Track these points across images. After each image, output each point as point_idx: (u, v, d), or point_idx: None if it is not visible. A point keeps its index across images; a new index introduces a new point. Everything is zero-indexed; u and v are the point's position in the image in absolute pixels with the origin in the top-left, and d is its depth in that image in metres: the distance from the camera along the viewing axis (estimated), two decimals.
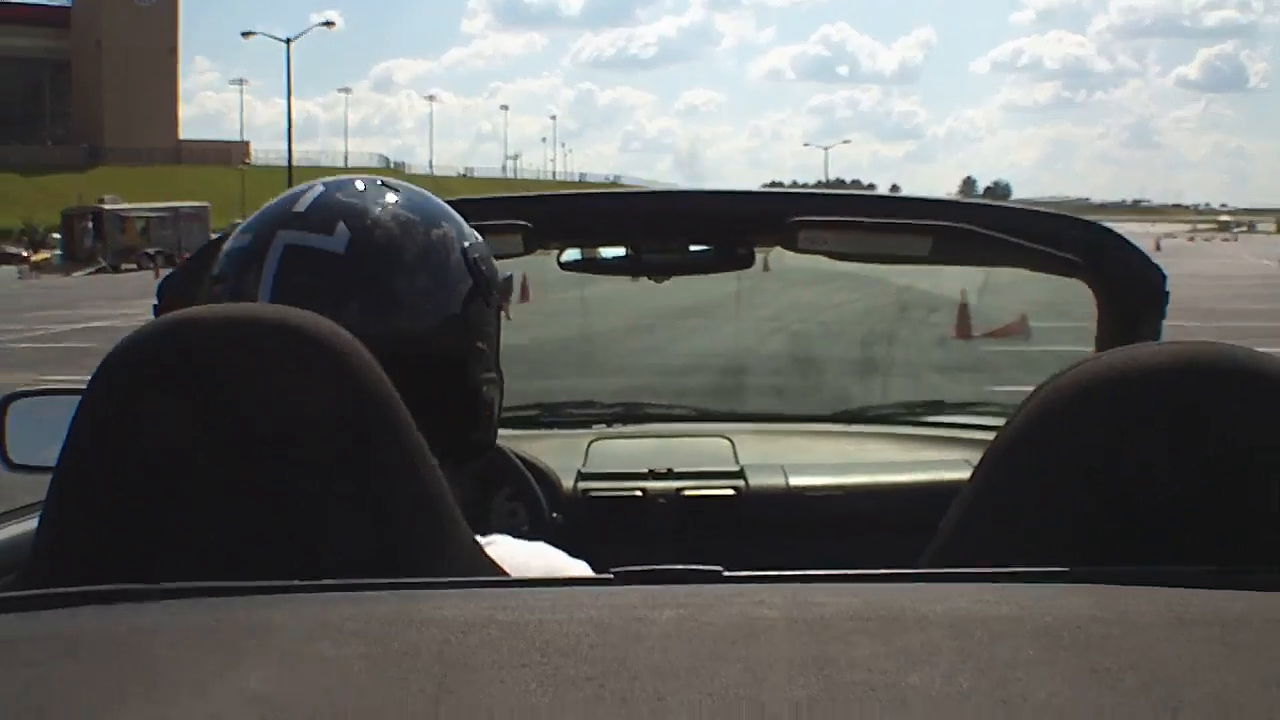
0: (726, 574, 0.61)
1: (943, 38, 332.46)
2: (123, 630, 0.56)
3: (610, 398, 2.50)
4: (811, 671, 0.49)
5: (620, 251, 1.88)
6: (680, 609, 0.56)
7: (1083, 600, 0.58)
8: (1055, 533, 0.72)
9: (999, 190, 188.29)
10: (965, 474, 0.81)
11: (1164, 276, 1.74)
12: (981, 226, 1.74)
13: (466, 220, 1.11)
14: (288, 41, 56.42)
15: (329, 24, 73.23)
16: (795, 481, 2.00)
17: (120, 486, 0.73)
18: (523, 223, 1.72)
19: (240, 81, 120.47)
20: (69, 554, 0.74)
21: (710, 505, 1.96)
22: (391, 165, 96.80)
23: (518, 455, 1.78)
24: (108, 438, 0.74)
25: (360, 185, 1.05)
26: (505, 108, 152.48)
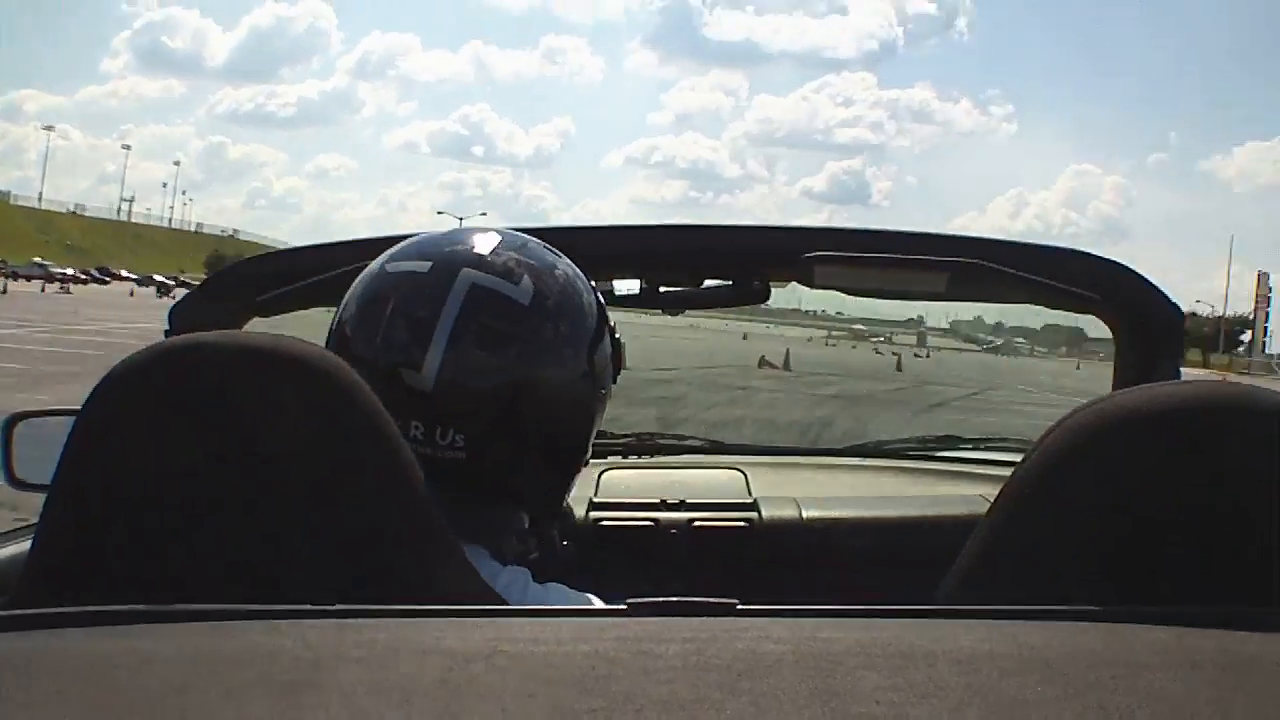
0: (740, 607, 0.60)
1: (581, 129, 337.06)
2: (120, 653, 0.55)
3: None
4: (818, 705, 0.49)
5: (634, 286, 1.87)
6: (688, 642, 0.55)
7: (1092, 639, 0.58)
8: (1072, 570, 0.72)
9: None
10: (980, 509, 0.80)
11: (1181, 315, 1.73)
12: (998, 263, 1.73)
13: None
14: None
15: None
16: (808, 514, 1.98)
17: (114, 507, 0.73)
18: None
19: None
20: (62, 573, 0.74)
21: (723, 537, 1.94)
22: None
23: None
24: (102, 458, 0.75)
25: (529, 243, 1.10)
26: (128, 148, 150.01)
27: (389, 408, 0.86)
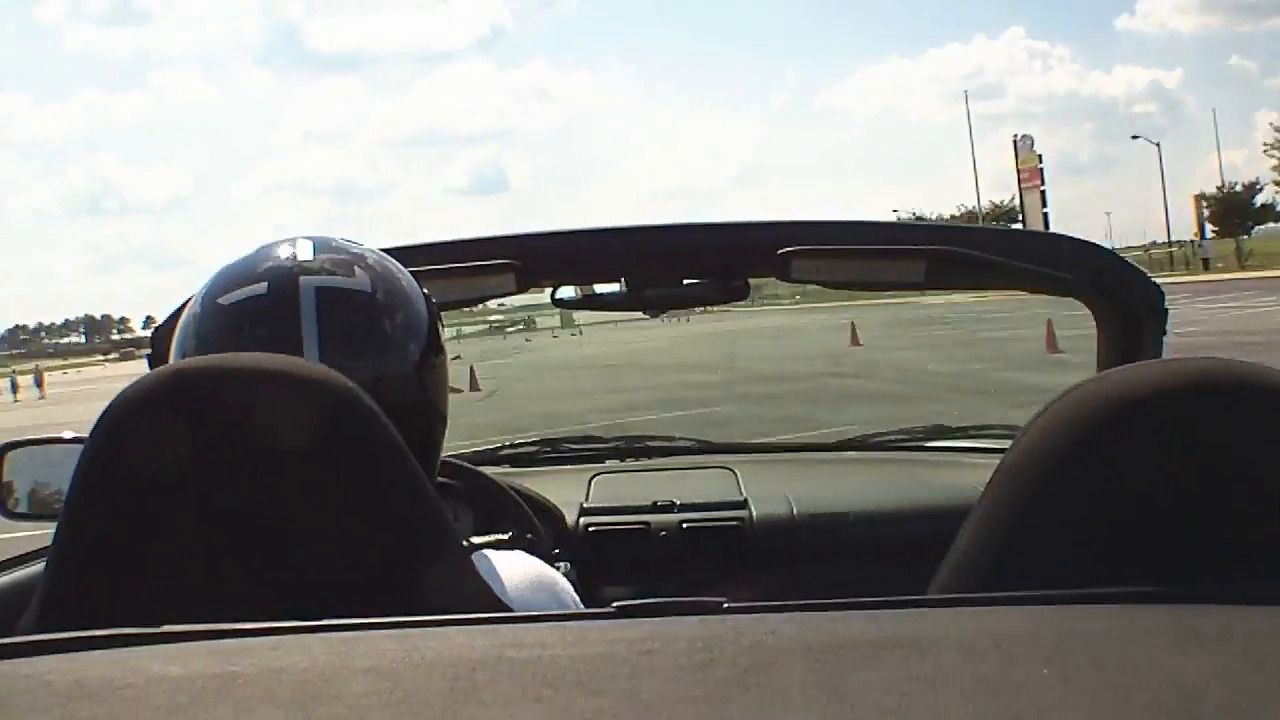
0: (728, 605, 0.61)
1: (212, 163, 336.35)
2: (130, 676, 0.55)
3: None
4: (825, 697, 0.49)
5: (615, 287, 1.87)
6: (693, 641, 0.55)
7: (1095, 621, 0.58)
8: (1065, 553, 0.72)
9: None
10: (972, 498, 0.80)
11: (1162, 294, 1.74)
12: (976, 249, 1.74)
13: (458, 260, 1.13)
14: None
15: None
16: (799, 510, 1.99)
17: (127, 531, 0.73)
18: (515, 261, 1.72)
19: None
20: (77, 597, 0.74)
21: (714, 536, 1.95)
22: None
23: (519, 491, 1.77)
24: (113, 484, 0.74)
25: (337, 239, 1.11)
26: None
27: None
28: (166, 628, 0.59)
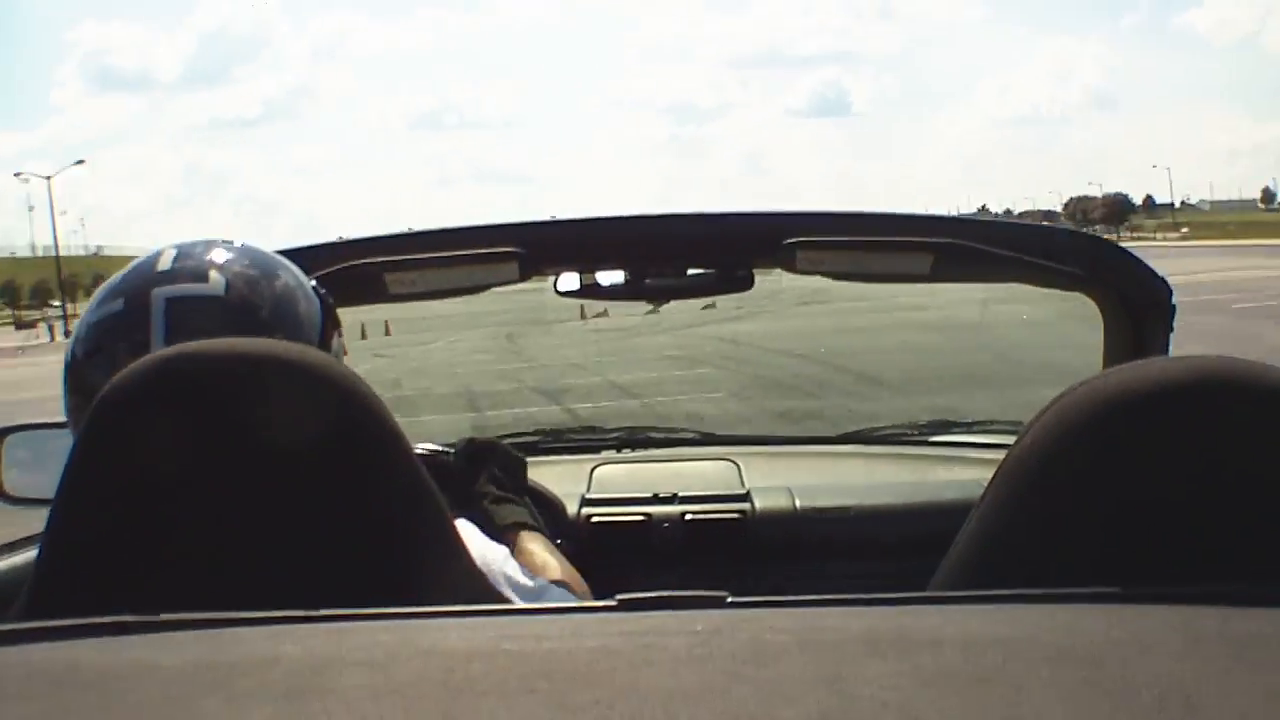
0: (731, 599, 0.60)
1: (550, 79, 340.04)
2: (123, 664, 0.55)
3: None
4: (823, 691, 0.48)
5: (618, 276, 1.87)
6: (691, 635, 0.55)
7: (1096, 620, 0.58)
8: (1068, 551, 0.72)
9: None
10: (975, 494, 0.80)
11: (1170, 290, 1.73)
12: (982, 243, 1.73)
13: (463, 248, 1.13)
14: None
15: None
16: (802, 504, 1.98)
17: (120, 517, 0.73)
18: (517, 249, 1.71)
19: None
20: (69, 585, 0.73)
21: (716, 529, 1.94)
22: None
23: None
24: (107, 469, 0.74)
25: (208, 243, 1.13)
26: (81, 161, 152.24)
27: None
28: (161, 616, 0.59)
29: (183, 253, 1.09)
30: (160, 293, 1.05)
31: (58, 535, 0.75)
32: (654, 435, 2.45)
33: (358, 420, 0.76)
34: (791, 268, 1.77)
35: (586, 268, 1.88)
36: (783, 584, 1.81)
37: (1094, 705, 0.48)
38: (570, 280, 1.88)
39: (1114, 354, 1.78)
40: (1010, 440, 0.81)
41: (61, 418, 1.12)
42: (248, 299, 1.07)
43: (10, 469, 1.52)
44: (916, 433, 2.47)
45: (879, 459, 2.34)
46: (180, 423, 0.73)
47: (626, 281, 1.86)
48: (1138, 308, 1.75)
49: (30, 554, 1.39)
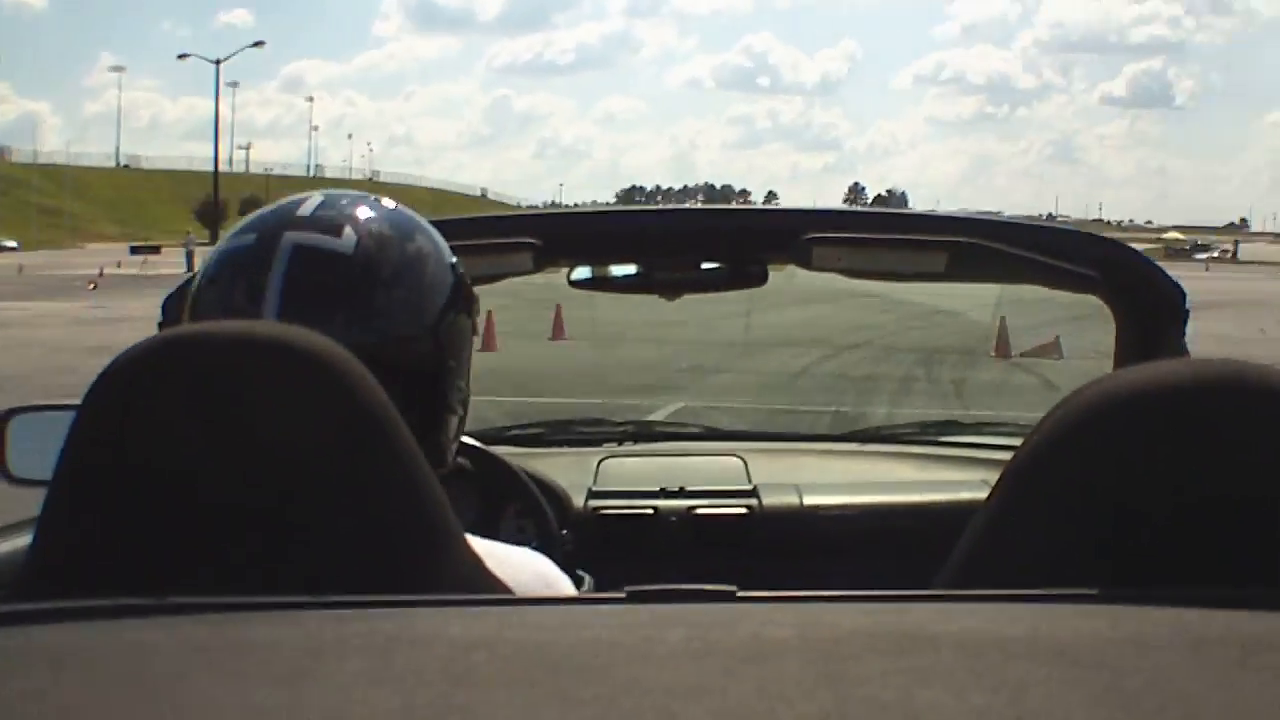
0: (740, 594, 0.60)
1: (866, 50, 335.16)
2: (122, 646, 0.55)
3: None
4: (823, 689, 0.48)
5: (631, 269, 1.87)
6: (690, 629, 0.55)
7: (1098, 621, 0.58)
8: (1073, 553, 0.71)
9: (893, 199, 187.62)
10: (981, 494, 0.79)
11: (1184, 294, 1.73)
12: (997, 243, 1.72)
13: (477, 237, 1.13)
14: (217, 63, 65.34)
15: (259, 44, 77.14)
16: (808, 501, 1.98)
17: (116, 501, 0.72)
18: (532, 240, 1.71)
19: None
20: (63, 568, 0.73)
21: (722, 524, 1.94)
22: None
23: (527, 472, 1.76)
24: (103, 451, 0.74)
25: (357, 197, 1.12)
26: (310, 100, 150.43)
27: None
28: (158, 598, 0.59)
29: (327, 202, 1.08)
30: (291, 237, 1.04)
31: (52, 517, 0.75)
32: (661, 429, 2.46)
33: (358, 407, 0.76)
34: (806, 264, 1.77)
35: (601, 260, 1.88)
36: (788, 580, 1.81)
37: (1094, 706, 0.48)
38: (584, 272, 1.88)
39: (1125, 356, 1.78)
40: (1016, 441, 0.81)
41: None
42: (373, 259, 1.05)
43: (16, 449, 1.53)
44: (922, 432, 2.47)
45: (885, 457, 2.34)
46: (180, 404, 0.73)
47: (640, 274, 1.86)
48: (1150, 310, 1.75)
49: (26, 537, 1.39)
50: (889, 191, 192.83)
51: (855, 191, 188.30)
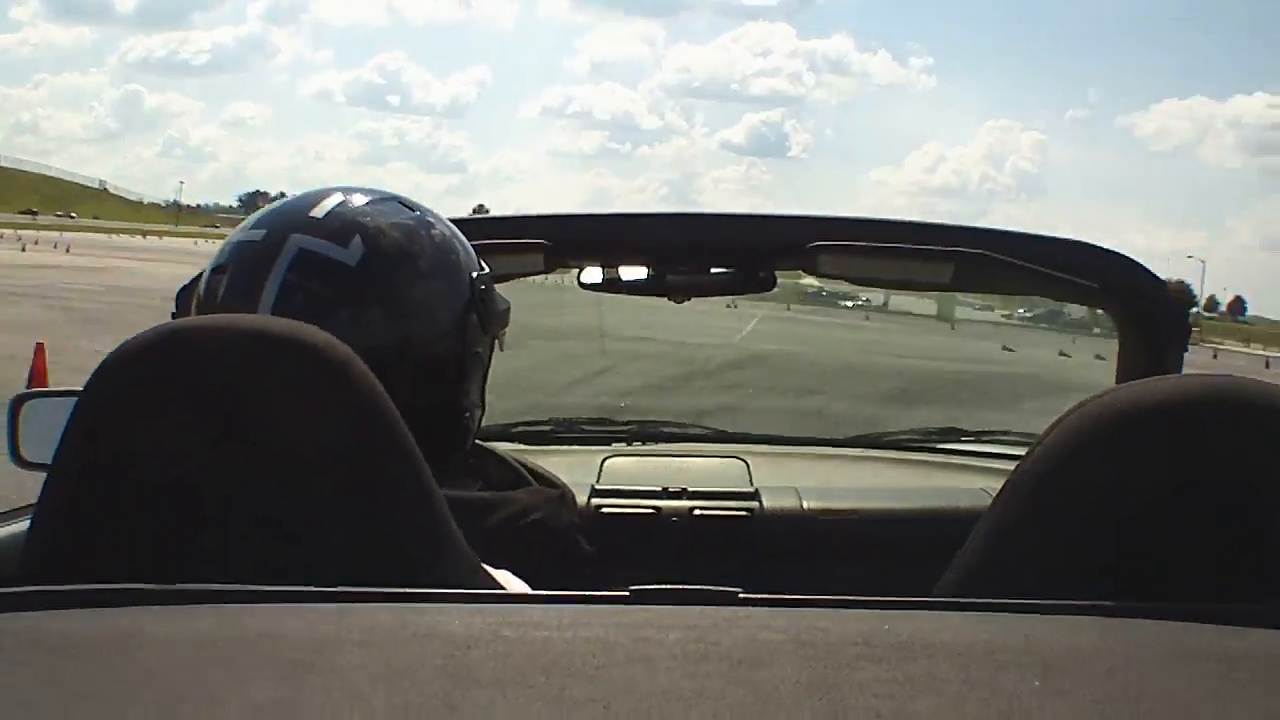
0: (742, 595, 0.60)
1: (497, 77, 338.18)
2: (119, 634, 0.55)
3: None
4: (817, 696, 0.49)
5: (641, 272, 1.87)
6: (688, 630, 0.55)
7: (1093, 634, 0.58)
8: (1074, 565, 0.72)
9: None
10: (983, 503, 0.80)
11: (1186, 310, 1.72)
12: (1003, 254, 1.73)
13: (487, 238, 1.12)
14: None
15: None
16: (810, 505, 1.98)
17: (114, 489, 0.72)
18: (543, 241, 1.72)
19: None
20: (60, 553, 0.73)
21: (723, 526, 1.94)
22: None
23: (529, 469, 1.77)
24: (103, 440, 0.74)
25: (377, 200, 1.08)
26: None
27: None
28: (161, 586, 0.59)
29: (344, 205, 1.05)
30: (297, 240, 1.02)
31: (51, 503, 0.75)
32: (665, 429, 2.45)
33: (357, 403, 0.76)
34: (814, 271, 1.77)
35: (611, 262, 1.89)
36: (787, 583, 1.81)
37: (1086, 718, 0.48)
38: (594, 274, 1.89)
39: (1128, 369, 1.78)
40: (1020, 451, 0.81)
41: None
42: (375, 275, 1.03)
43: (27, 433, 1.54)
44: (925, 439, 2.46)
45: (887, 463, 2.33)
46: (180, 395, 0.73)
47: (649, 277, 1.86)
48: (1154, 324, 1.75)
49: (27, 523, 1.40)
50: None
51: (480, 213, 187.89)
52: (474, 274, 1.10)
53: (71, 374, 5.98)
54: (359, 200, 1.07)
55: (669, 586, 0.60)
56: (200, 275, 1.10)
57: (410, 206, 1.10)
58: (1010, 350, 10.73)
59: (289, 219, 1.05)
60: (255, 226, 1.06)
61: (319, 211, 1.04)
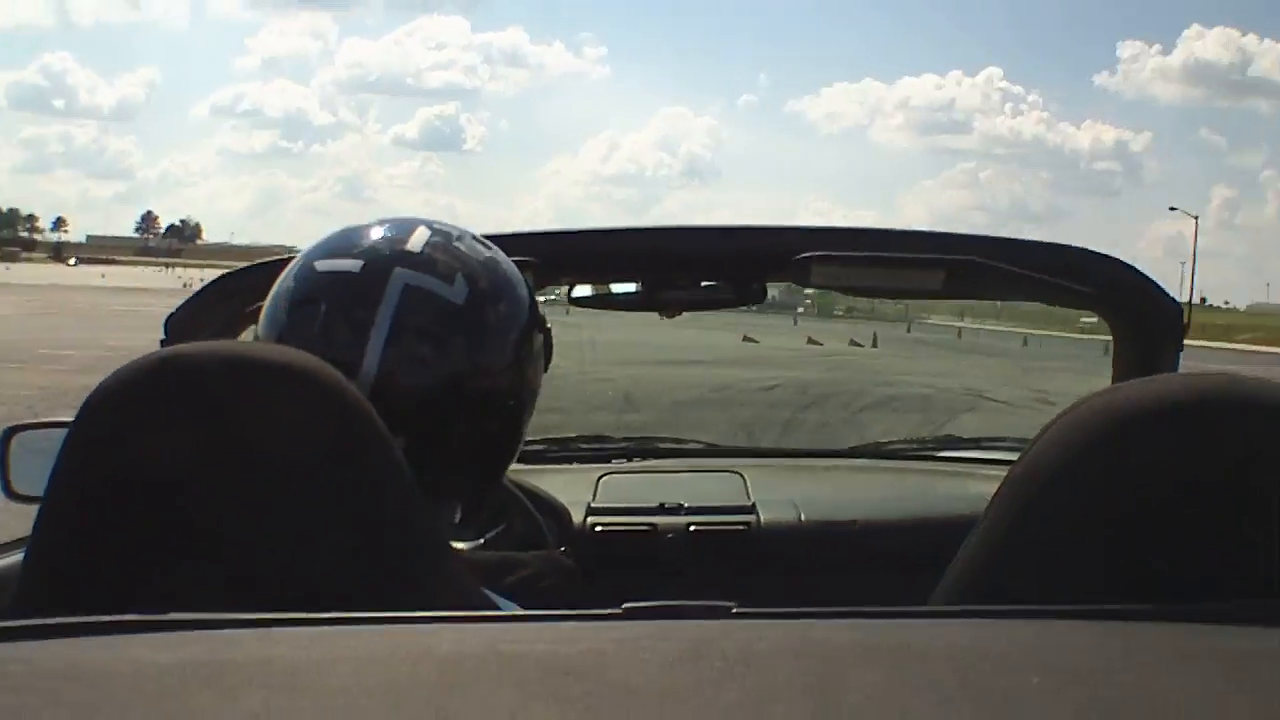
0: (736, 609, 0.60)
1: (166, 77, 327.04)
2: (112, 662, 0.55)
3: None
4: (811, 699, 0.49)
5: (631, 287, 1.87)
6: (685, 643, 0.55)
7: (1089, 636, 0.58)
8: (1069, 568, 0.71)
9: (187, 230, 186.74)
10: (979, 509, 0.79)
11: (1181, 311, 1.73)
12: (995, 259, 1.73)
13: None
14: None
15: None
16: (806, 516, 1.98)
17: (107, 518, 0.72)
18: (532, 259, 1.72)
19: None
20: (55, 584, 0.73)
21: (721, 540, 1.94)
22: None
23: (525, 489, 1.76)
24: (95, 469, 0.74)
25: (459, 235, 1.10)
26: None
27: None
28: (154, 615, 0.59)
29: (437, 241, 1.06)
30: (402, 274, 1.01)
31: (44, 534, 0.75)
32: (661, 445, 2.45)
33: (349, 428, 0.76)
34: (805, 282, 1.77)
35: (602, 278, 1.89)
36: (785, 596, 1.80)
37: (1083, 719, 0.48)
38: (585, 290, 1.89)
39: (1123, 371, 1.78)
40: (1015, 456, 0.81)
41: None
42: (480, 315, 1.05)
43: (17, 465, 1.53)
44: (921, 447, 2.47)
45: (884, 473, 2.34)
46: (172, 423, 0.73)
47: (640, 292, 1.86)
48: (1149, 326, 1.75)
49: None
50: (182, 222, 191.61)
51: (148, 220, 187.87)
52: (540, 314, 1.13)
53: None
54: (445, 234, 1.08)
55: (662, 603, 0.60)
56: (258, 306, 1.08)
57: (481, 242, 1.12)
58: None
59: (388, 252, 1.03)
60: (341, 254, 1.04)
61: (415, 246, 1.04)
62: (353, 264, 1.02)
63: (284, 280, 1.06)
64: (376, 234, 1.06)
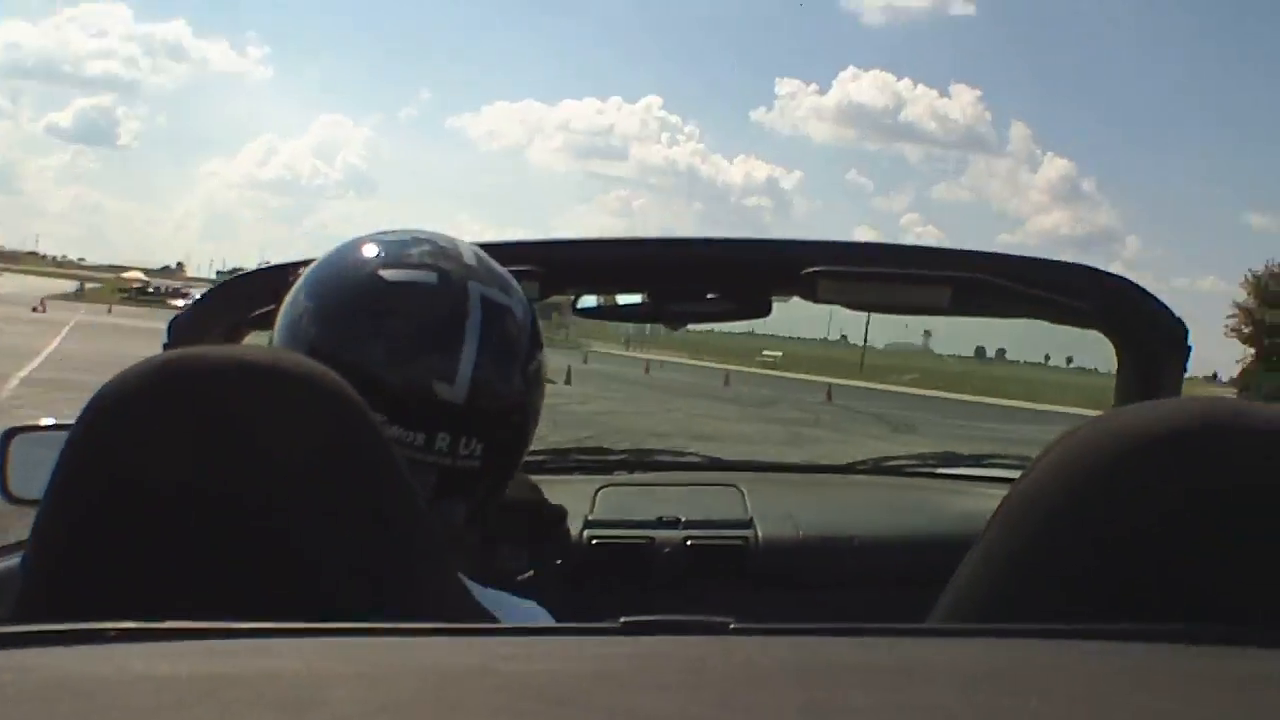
0: (734, 625, 0.60)
1: None
2: (109, 672, 0.55)
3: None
4: (813, 718, 0.48)
5: (636, 299, 1.87)
6: (684, 659, 0.55)
7: (1089, 657, 0.58)
8: (1069, 588, 0.71)
9: None
10: (978, 527, 0.79)
11: (1186, 331, 1.73)
12: (1000, 277, 1.73)
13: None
14: None
15: None
16: (804, 532, 1.97)
17: (107, 523, 0.72)
18: (538, 269, 1.72)
19: None
20: (52, 589, 0.73)
21: (718, 554, 1.94)
22: None
23: (523, 501, 1.76)
24: (95, 473, 0.74)
25: (478, 249, 1.11)
26: None
27: (409, 420, 0.94)
28: (152, 624, 0.58)
29: (479, 253, 1.08)
30: (477, 288, 1.03)
31: (43, 538, 0.75)
32: (660, 458, 2.45)
33: (351, 432, 0.76)
34: (811, 297, 1.77)
35: (607, 289, 1.89)
36: (783, 611, 1.80)
37: None
38: (589, 301, 1.89)
39: (1126, 392, 1.78)
40: (1015, 475, 0.81)
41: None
42: (531, 322, 1.09)
43: (16, 469, 1.53)
44: (921, 464, 2.46)
45: (882, 489, 2.33)
46: (173, 427, 0.73)
47: (645, 304, 1.86)
48: (1153, 347, 1.75)
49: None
50: None
51: None
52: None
53: None
54: (473, 247, 1.10)
55: (660, 618, 0.60)
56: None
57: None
58: None
59: (453, 265, 1.04)
60: (411, 266, 1.03)
61: (469, 259, 1.06)
62: (427, 275, 1.02)
63: (341, 291, 1.03)
64: (425, 246, 1.06)
